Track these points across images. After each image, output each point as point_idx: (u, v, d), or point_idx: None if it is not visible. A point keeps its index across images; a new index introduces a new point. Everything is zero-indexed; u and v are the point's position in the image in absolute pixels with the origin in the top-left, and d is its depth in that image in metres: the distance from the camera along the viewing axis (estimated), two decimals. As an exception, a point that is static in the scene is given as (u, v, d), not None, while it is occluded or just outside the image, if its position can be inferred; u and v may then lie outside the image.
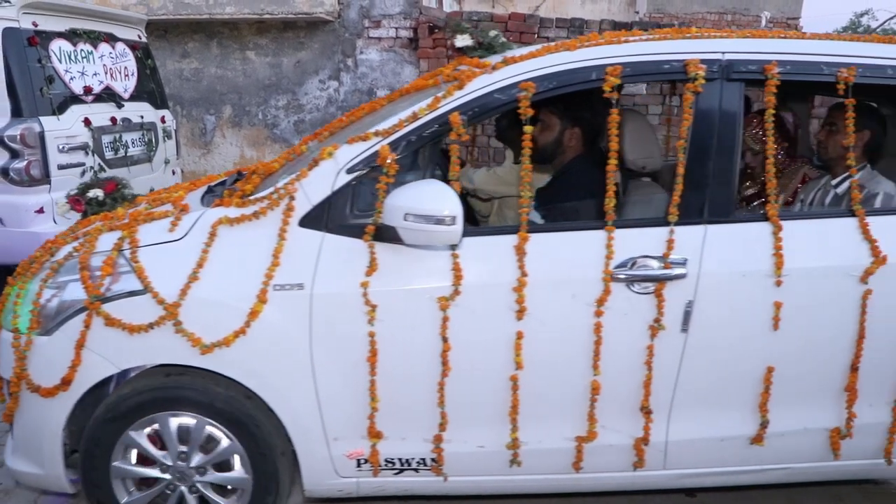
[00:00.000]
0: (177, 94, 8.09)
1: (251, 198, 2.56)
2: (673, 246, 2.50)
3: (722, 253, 2.54)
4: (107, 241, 2.58)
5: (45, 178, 5.04)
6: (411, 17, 8.00)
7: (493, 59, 2.76)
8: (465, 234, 2.48)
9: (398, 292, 2.47)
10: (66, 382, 2.49)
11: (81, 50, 5.55)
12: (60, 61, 5.31)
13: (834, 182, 3.05)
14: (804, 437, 2.68)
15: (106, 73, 5.80)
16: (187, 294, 2.43)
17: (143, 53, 6.27)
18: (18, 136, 4.90)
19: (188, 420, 2.58)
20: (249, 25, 7.92)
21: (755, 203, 3.41)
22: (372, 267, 2.45)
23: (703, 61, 2.55)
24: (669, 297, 2.50)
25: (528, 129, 2.50)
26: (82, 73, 5.52)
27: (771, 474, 2.75)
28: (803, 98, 3.88)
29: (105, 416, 2.57)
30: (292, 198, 2.50)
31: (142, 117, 6.11)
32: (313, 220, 2.49)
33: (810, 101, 4.01)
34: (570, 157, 3.12)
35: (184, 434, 2.60)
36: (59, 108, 5.25)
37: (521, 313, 2.47)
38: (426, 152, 2.82)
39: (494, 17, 8.15)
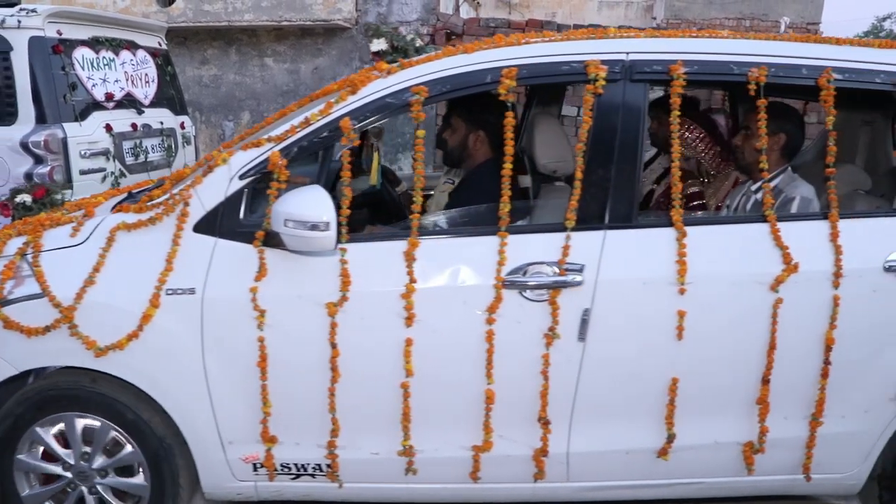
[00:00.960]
0: (196, 101, 8.01)
1: (149, 203, 2.42)
2: (568, 252, 2.29)
3: (622, 259, 2.32)
4: (13, 245, 2.48)
5: (68, 184, 4.94)
6: (428, 24, 7.80)
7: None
8: (355, 239, 2.35)
9: (287, 297, 2.32)
10: None
11: (103, 57, 5.48)
12: (83, 68, 5.23)
13: (754, 187, 2.75)
14: (715, 451, 2.43)
15: (127, 79, 5.72)
16: (83, 298, 2.33)
17: (163, 60, 6.20)
18: (42, 142, 4.84)
19: (92, 421, 2.47)
20: (268, 32, 7.81)
21: (695, 204, 3.11)
22: (261, 272, 2.30)
23: (605, 62, 2.33)
24: (565, 305, 2.29)
25: (419, 133, 2.31)
26: (104, 80, 5.44)
27: (681, 489, 2.50)
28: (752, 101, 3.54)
29: (11, 410, 2.47)
30: (187, 203, 2.38)
31: (161, 123, 6.02)
32: (207, 225, 2.36)
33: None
34: (479, 162, 2.91)
35: (87, 435, 2.49)
36: (82, 115, 5.16)
37: (409, 320, 2.29)
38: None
39: (511, 24, 7.89)
